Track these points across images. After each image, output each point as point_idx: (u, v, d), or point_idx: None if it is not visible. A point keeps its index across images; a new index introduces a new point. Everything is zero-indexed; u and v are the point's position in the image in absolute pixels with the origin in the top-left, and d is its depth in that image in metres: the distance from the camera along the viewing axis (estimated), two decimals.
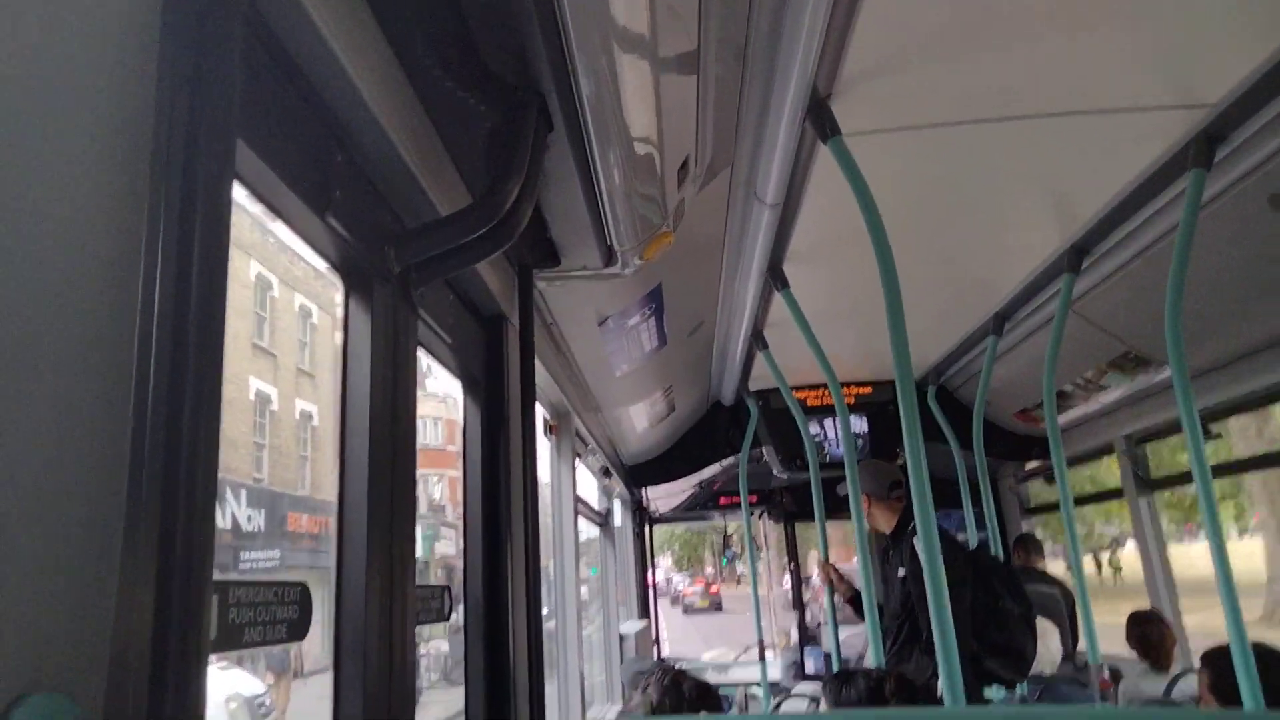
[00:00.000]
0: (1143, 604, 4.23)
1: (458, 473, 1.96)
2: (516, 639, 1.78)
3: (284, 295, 18.59)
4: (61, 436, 0.62)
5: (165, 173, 0.74)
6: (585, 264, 2.09)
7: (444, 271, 1.51)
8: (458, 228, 1.38)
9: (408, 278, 1.41)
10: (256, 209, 1.13)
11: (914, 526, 3.73)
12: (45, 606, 0.59)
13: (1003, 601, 3.66)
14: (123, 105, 0.70)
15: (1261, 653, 2.30)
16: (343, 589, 1.20)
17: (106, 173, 0.68)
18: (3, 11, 0.60)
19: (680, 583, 34.66)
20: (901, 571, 3.67)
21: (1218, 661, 2.68)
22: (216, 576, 0.92)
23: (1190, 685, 3.32)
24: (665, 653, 7.42)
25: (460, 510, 1.91)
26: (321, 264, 1.33)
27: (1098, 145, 2.30)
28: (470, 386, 1.91)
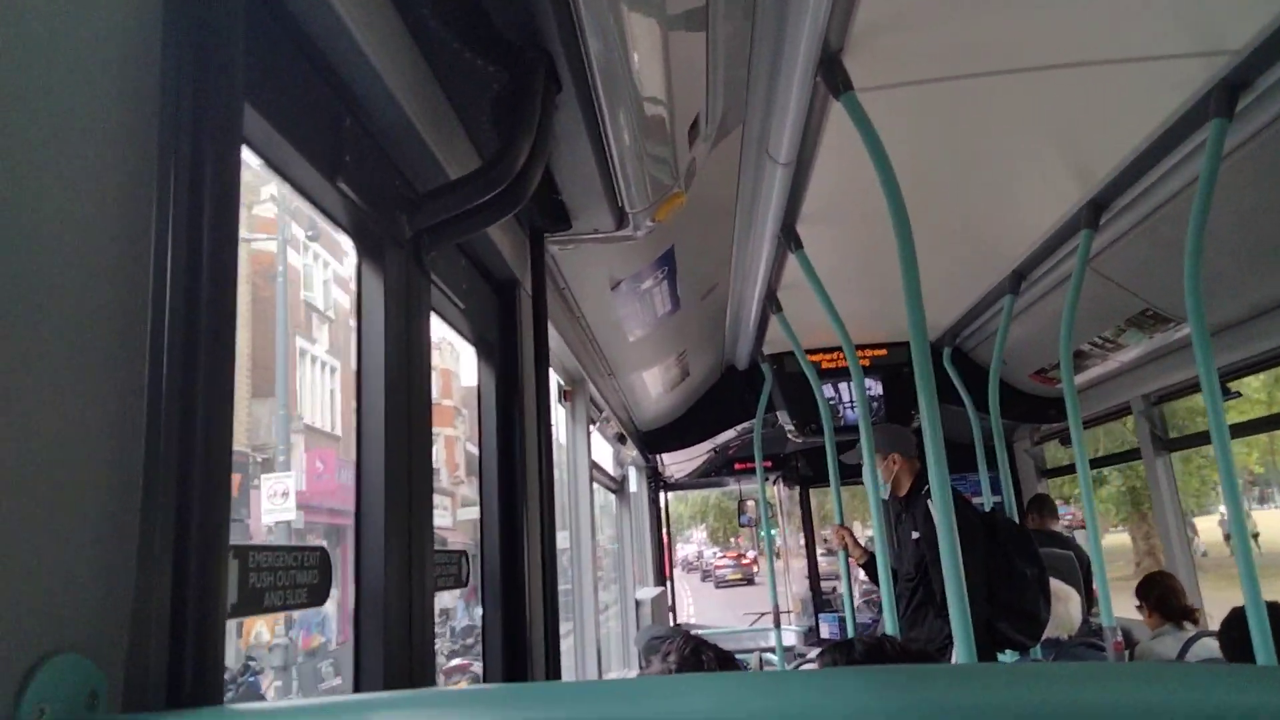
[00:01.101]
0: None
1: (455, 431, 1.94)
2: (533, 604, 1.80)
3: None
4: (81, 404, 0.62)
5: (174, 141, 0.74)
6: (597, 227, 2.07)
7: (456, 236, 1.50)
8: (468, 191, 1.37)
9: (420, 242, 1.41)
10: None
11: (928, 489, 3.73)
12: (67, 571, 0.60)
13: (1016, 564, 3.67)
14: (128, 77, 0.70)
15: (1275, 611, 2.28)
16: (362, 556, 1.21)
17: (114, 144, 0.68)
18: None
19: (712, 556, 34.03)
20: (915, 534, 3.66)
21: (1232, 621, 2.66)
22: (237, 541, 0.92)
23: (1205, 649, 3.31)
24: (682, 619, 7.49)
25: (456, 473, 1.91)
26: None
27: (1116, 96, 2.25)
28: (484, 351, 1.90)
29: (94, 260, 0.65)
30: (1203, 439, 4.26)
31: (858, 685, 0.59)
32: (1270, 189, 2.51)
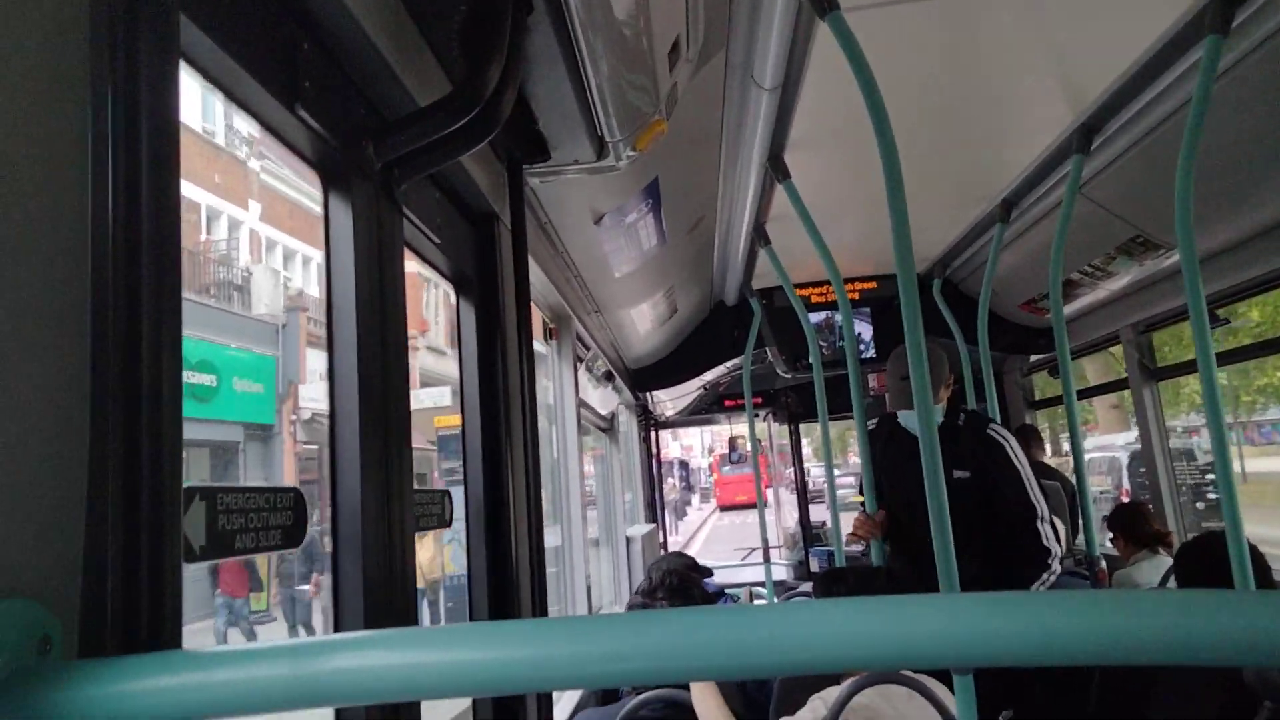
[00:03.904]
0: None
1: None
2: (519, 543, 1.79)
3: None
4: (21, 344, 0.59)
5: (109, 56, 0.68)
6: (577, 157, 2.01)
7: (427, 166, 1.44)
8: (438, 119, 1.31)
9: (390, 174, 1.35)
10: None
11: (966, 415, 3.24)
12: (14, 515, 0.58)
13: None
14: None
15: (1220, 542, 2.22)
16: (338, 499, 1.18)
17: (41, 62, 0.63)
18: None
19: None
20: (959, 474, 3.07)
21: (1184, 552, 2.65)
22: (205, 484, 0.90)
23: None
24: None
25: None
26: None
27: (1108, 14, 2.18)
28: (463, 287, 1.86)
29: (27, 187, 0.61)
30: (1190, 367, 4.27)
31: (849, 616, 0.58)
32: (1264, 109, 2.45)
